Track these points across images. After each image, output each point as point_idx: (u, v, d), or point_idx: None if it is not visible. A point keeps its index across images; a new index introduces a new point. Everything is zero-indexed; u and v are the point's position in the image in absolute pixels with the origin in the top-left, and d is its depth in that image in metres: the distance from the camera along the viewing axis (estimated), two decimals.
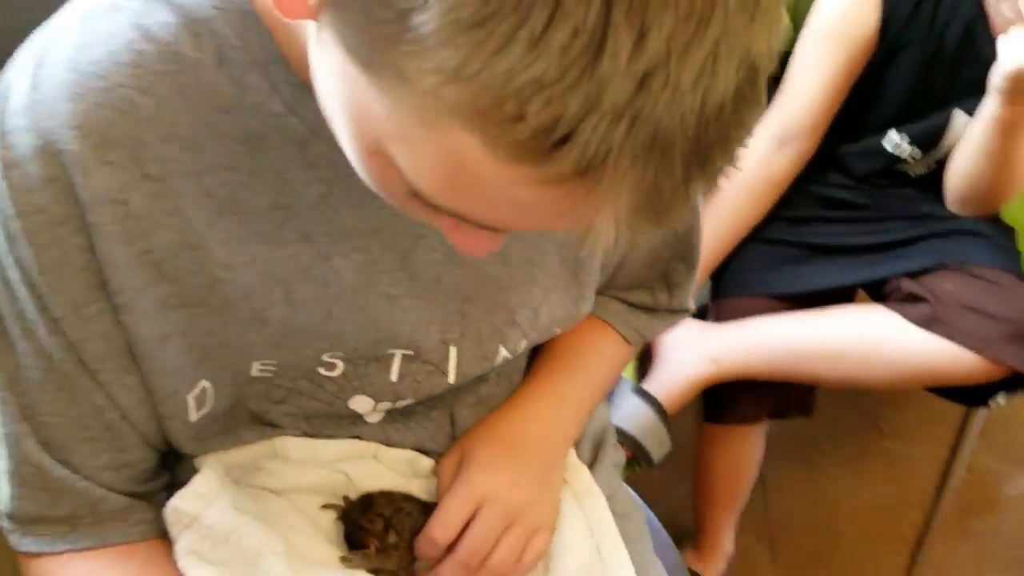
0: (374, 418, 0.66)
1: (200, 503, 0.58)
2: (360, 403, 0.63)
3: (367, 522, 0.63)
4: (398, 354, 0.62)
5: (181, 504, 0.58)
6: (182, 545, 0.58)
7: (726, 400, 1.30)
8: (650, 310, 0.79)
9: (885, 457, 1.78)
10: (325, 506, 0.66)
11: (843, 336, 1.23)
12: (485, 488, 0.66)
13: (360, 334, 0.59)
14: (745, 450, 1.38)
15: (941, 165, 1.29)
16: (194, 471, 0.60)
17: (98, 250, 0.50)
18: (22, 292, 0.51)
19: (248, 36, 0.50)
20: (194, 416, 0.58)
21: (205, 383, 0.57)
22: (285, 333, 0.56)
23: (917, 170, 1.33)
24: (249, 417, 0.62)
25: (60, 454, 0.55)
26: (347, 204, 0.55)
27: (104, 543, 0.57)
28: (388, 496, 0.66)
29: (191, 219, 0.51)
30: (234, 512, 0.59)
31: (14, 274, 0.51)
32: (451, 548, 0.65)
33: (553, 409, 0.73)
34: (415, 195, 0.39)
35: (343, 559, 0.64)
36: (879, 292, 1.30)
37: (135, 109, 0.48)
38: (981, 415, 1.45)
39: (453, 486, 0.66)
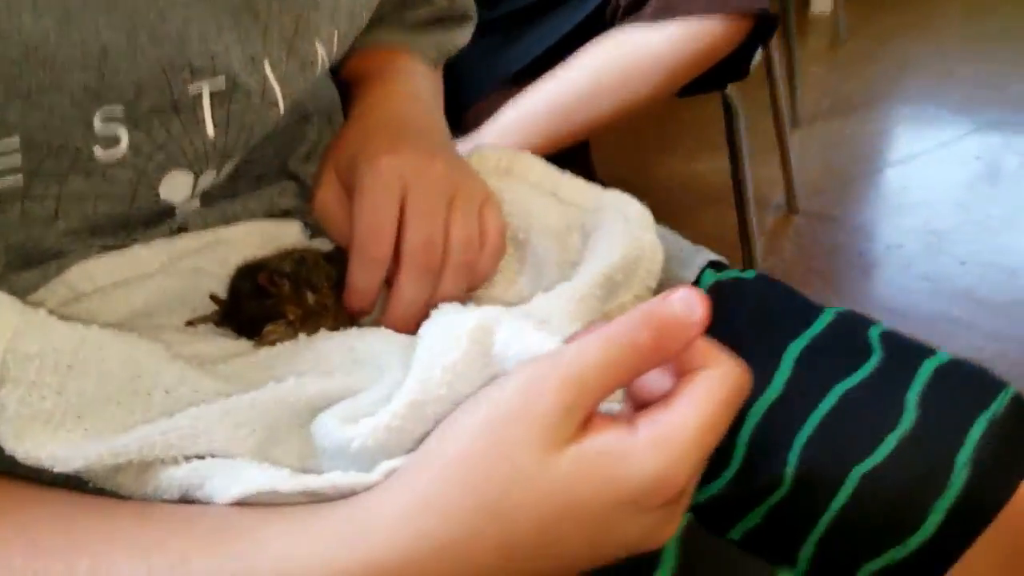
0: (192, 206, 0.50)
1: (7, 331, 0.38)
2: (176, 183, 0.47)
3: (274, 288, 0.46)
4: (205, 89, 0.45)
5: None
6: (10, 412, 0.37)
7: None
8: (438, 21, 0.68)
9: None
10: (189, 322, 0.48)
11: (596, 72, 1.17)
12: (400, 169, 0.50)
13: (134, 54, 0.42)
14: None
15: None
16: None
17: None
18: None
19: None
20: None
21: None
22: (13, 59, 0.38)
23: None
24: (22, 256, 0.45)
25: None
26: None
27: None
28: (276, 259, 0.49)
29: None
30: (69, 325, 0.40)
31: None
32: (395, 259, 0.49)
33: (410, 100, 0.60)
34: None
35: (260, 340, 0.46)
36: (604, 28, 1.26)
37: None
38: None
39: (360, 186, 0.49)
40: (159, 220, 0.49)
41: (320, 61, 0.51)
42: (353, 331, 0.46)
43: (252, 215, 0.54)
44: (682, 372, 0.34)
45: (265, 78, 0.47)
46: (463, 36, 0.73)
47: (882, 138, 2.10)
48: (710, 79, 1.23)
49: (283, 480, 0.37)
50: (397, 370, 0.41)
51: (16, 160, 0.40)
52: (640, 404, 0.35)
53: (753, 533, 0.52)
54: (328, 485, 0.36)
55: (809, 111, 2.15)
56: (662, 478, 0.32)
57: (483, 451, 0.33)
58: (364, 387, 0.42)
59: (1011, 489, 0.45)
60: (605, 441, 0.32)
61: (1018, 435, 0.47)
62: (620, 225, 0.52)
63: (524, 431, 0.32)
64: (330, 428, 0.39)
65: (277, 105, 0.49)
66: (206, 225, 0.51)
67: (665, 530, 0.34)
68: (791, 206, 1.84)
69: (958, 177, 1.92)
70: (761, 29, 1.17)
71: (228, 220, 0.52)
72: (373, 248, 0.48)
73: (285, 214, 0.55)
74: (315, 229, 0.56)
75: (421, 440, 0.36)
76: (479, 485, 0.32)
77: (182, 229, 0.50)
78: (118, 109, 0.42)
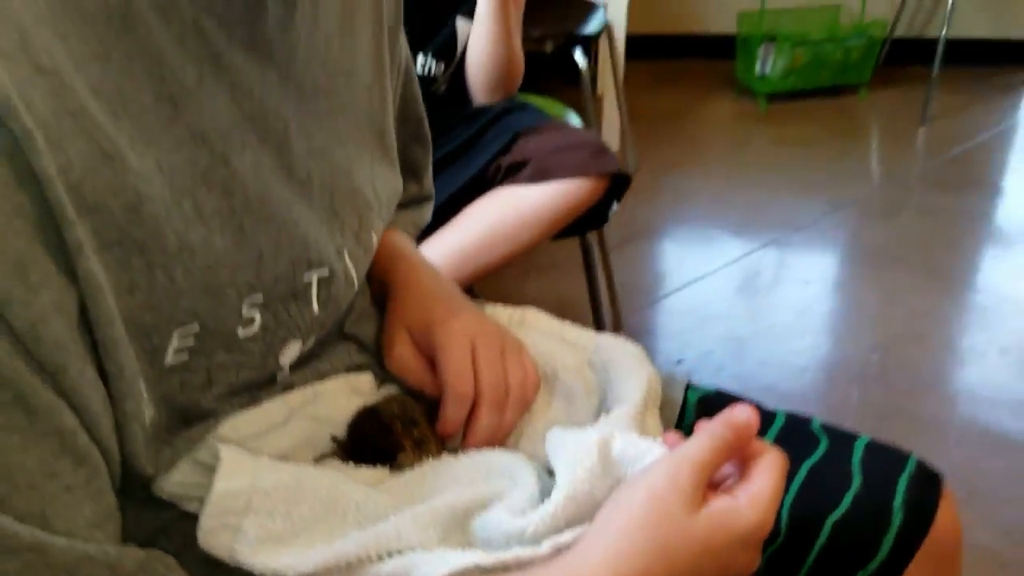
0: (288, 362, 0.63)
1: (245, 475, 0.52)
2: (290, 351, 0.61)
3: (392, 427, 0.62)
4: (314, 277, 0.60)
5: (229, 484, 0.51)
6: (250, 536, 0.51)
7: None
8: (414, 202, 0.85)
9: None
10: (319, 458, 0.62)
11: (490, 226, 1.38)
12: (468, 329, 0.68)
13: (277, 254, 0.56)
14: None
15: (456, 80, 1.49)
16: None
17: None
18: None
19: None
20: (148, 411, 0.50)
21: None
22: (207, 265, 0.51)
23: (441, 88, 1.52)
24: (181, 417, 0.56)
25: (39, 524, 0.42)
26: (221, 88, 0.52)
27: None
28: (381, 405, 0.65)
29: (96, 119, 0.44)
30: (282, 465, 0.55)
31: None
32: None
33: (430, 270, 0.77)
34: None
35: (394, 468, 0.62)
36: (488, 186, 1.48)
37: None
38: None
39: (441, 344, 0.67)
40: (273, 379, 0.63)
41: (374, 246, 0.69)
42: (484, 452, 0.63)
43: (336, 370, 0.69)
44: (746, 458, 0.55)
45: (346, 264, 0.64)
46: (428, 214, 0.91)
47: (680, 258, 2.44)
48: (576, 226, 1.48)
49: (482, 556, 0.53)
50: (527, 477, 0.59)
51: (190, 341, 0.52)
52: (715, 482, 0.55)
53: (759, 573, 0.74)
54: (512, 557, 0.52)
55: (613, 238, 2.47)
56: (760, 524, 0.52)
57: (648, 515, 0.51)
58: (503, 492, 0.58)
59: (930, 522, 0.67)
60: (722, 504, 0.52)
61: (927, 485, 0.69)
62: (630, 361, 0.72)
63: (675, 500, 0.51)
64: (503, 520, 0.55)
65: (354, 285, 0.66)
66: (305, 381, 0.66)
67: (757, 559, 0.53)
68: (616, 324, 2.12)
69: (747, 289, 2.28)
70: (617, 186, 1.44)
71: (321, 375, 0.67)
72: (461, 388, 0.66)
73: (358, 368, 0.71)
74: (381, 378, 0.72)
75: (571, 522, 0.54)
76: (651, 537, 0.50)
77: (288, 386, 0.64)
78: (259, 297, 0.56)
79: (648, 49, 3.63)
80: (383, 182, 0.69)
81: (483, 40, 1.42)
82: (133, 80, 0.47)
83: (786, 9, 3.47)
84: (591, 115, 2.58)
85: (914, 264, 2.34)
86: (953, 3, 3.14)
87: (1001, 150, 3.10)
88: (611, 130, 2.93)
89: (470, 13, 1.42)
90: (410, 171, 0.84)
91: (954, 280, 2.31)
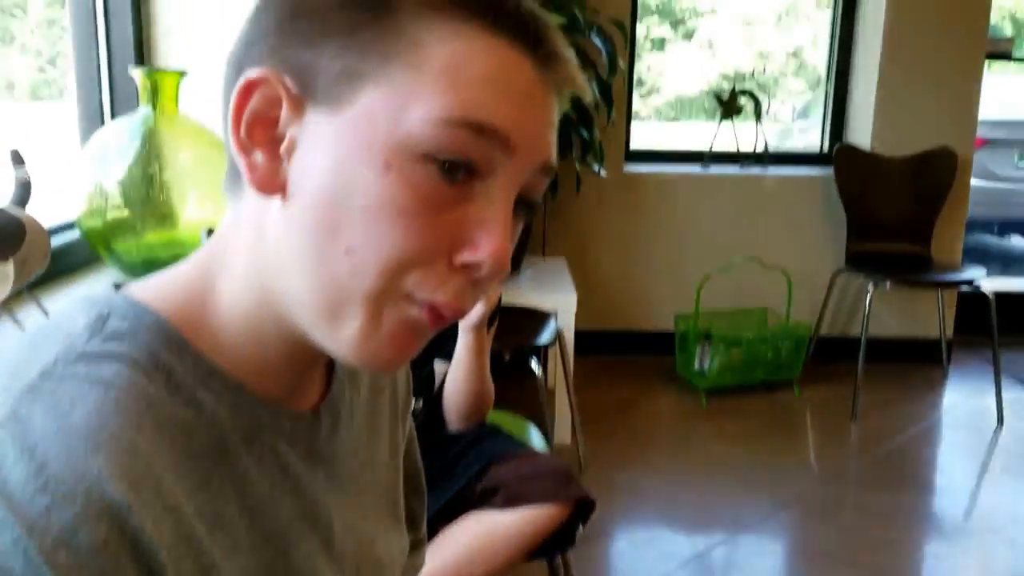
0: None
1: None
2: None
3: None
4: None
5: None
6: None
7: None
8: (413, 548, 0.93)
9: None
10: None
11: (463, 548, 1.46)
12: None
13: None
14: None
15: (431, 410, 1.63)
16: None
17: None
18: None
19: (184, 358, 0.55)
20: None
21: None
22: None
23: (420, 419, 1.64)
24: None
25: None
26: (286, 492, 0.60)
27: None
28: None
29: (203, 541, 0.52)
30: None
31: None
32: None
33: None
34: (444, 180, 0.52)
35: None
36: (462, 510, 1.56)
37: (137, 447, 0.49)
38: None
39: None
40: None
41: None
42: None
43: None
44: None
45: None
46: (424, 557, 0.98)
47: (635, 559, 2.50)
48: (544, 548, 1.56)
49: None
50: None
51: None
52: None
53: None
54: None
55: None
56: None
57: None
58: None
59: None
60: None
61: None
62: None
63: None
64: None
65: None
66: None
67: None
68: None
69: None
70: (583, 510, 1.53)
71: None
72: None
73: None
74: None
75: None
76: None
77: None
78: None
79: (594, 344, 3.86)
80: (395, 544, 0.78)
81: (461, 378, 1.57)
82: (224, 499, 0.56)
83: (719, 310, 3.76)
84: (547, 414, 2.72)
85: (861, 566, 2.43)
86: (869, 306, 3.44)
87: (929, 445, 3.30)
88: (563, 424, 3.06)
89: (447, 356, 1.58)
90: (410, 521, 0.92)
91: None
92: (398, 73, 0.52)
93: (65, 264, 1.91)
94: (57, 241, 1.88)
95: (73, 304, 0.58)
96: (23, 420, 0.48)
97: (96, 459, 0.46)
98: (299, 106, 0.54)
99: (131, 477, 0.47)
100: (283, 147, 0.55)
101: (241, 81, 0.55)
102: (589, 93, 0.60)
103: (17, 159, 1.25)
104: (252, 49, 0.57)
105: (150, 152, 1.84)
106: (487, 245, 0.54)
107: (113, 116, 2.19)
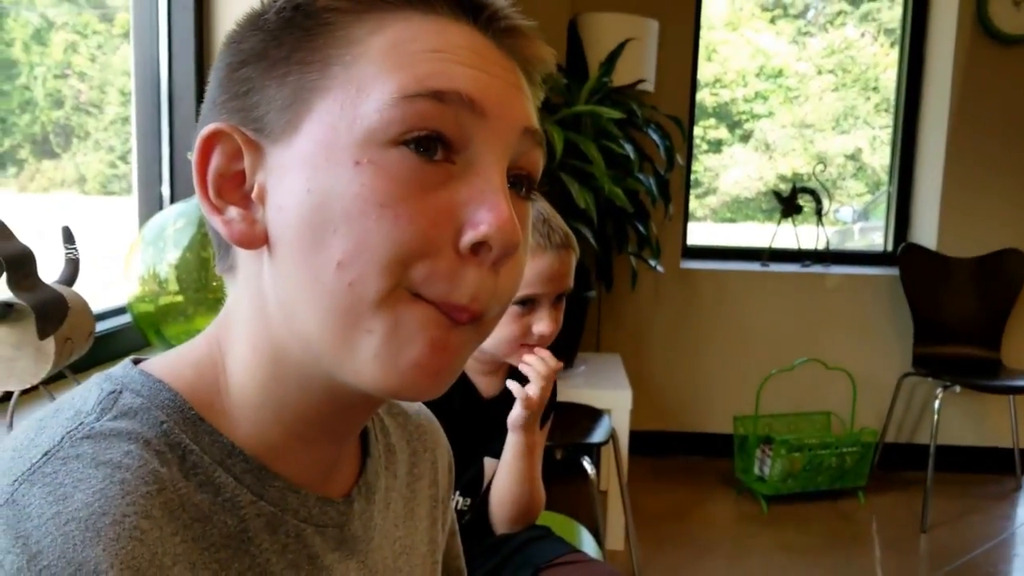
0: None
1: None
2: None
3: None
4: None
5: None
6: None
7: None
8: None
9: None
10: None
11: None
12: None
13: None
14: None
15: (480, 510, 1.55)
16: None
17: None
18: None
19: (201, 437, 0.52)
20: None
21: None
22: None
23: (467, 518, 1.56)
24: None
25: None
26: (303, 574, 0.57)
27: None
28: None
29: None
30: None
31: None
32: None
33: None
34: (420, 159, 0.49)
35: None
36: None
37: (144, 535, 0.46)
38: None
39: None
40: None
41: None
42: None
43: None
44: None
45: None
46: None
47: None
48: None
49: None
50: None
51: None
52: None
53: None
54: None
55: None
56: None
57: None
58: None
59: None
60: None
61: None
62: None
63: None
64: None
65: None
66: None
67: None
68: None
69: None
70: None
71: None
72: None
73: None
74: None
75: None
76: None
77: None
78: None
79: (649, 445, 3.75)
80: None
81: (509, 481, 1.49)
82: None
83: (779, 413, 3.63)
84: (599, 517, 2.61)
85: None
86: (939, 411, 3.29)
87: (1004, 561, 3.09)
88: (616, 528, 2.94)
89: (496, 454, 1.50)
90: None
91: None
92: (341, 74, 0.50)
93: (113, 348, 1.89)
94: (107, 325, 1.87)
95: (90, 380, 0.55)
96: (20, 505, 0.45)
97: (95, 549, 0.43)
98: (258, 150, 0.53)
99: (134, 568, 0.44)
100: (254, 195, 0.53)
101: (197, 142, 0.53)
102: (552, 57, 0.57)
103: (68, 237, 1.24)
104: (207, 115, 0.56)
105: (205, 237, 1.83)
106: (486, 216, 0.50)
107: (172, 203, 2.20)
